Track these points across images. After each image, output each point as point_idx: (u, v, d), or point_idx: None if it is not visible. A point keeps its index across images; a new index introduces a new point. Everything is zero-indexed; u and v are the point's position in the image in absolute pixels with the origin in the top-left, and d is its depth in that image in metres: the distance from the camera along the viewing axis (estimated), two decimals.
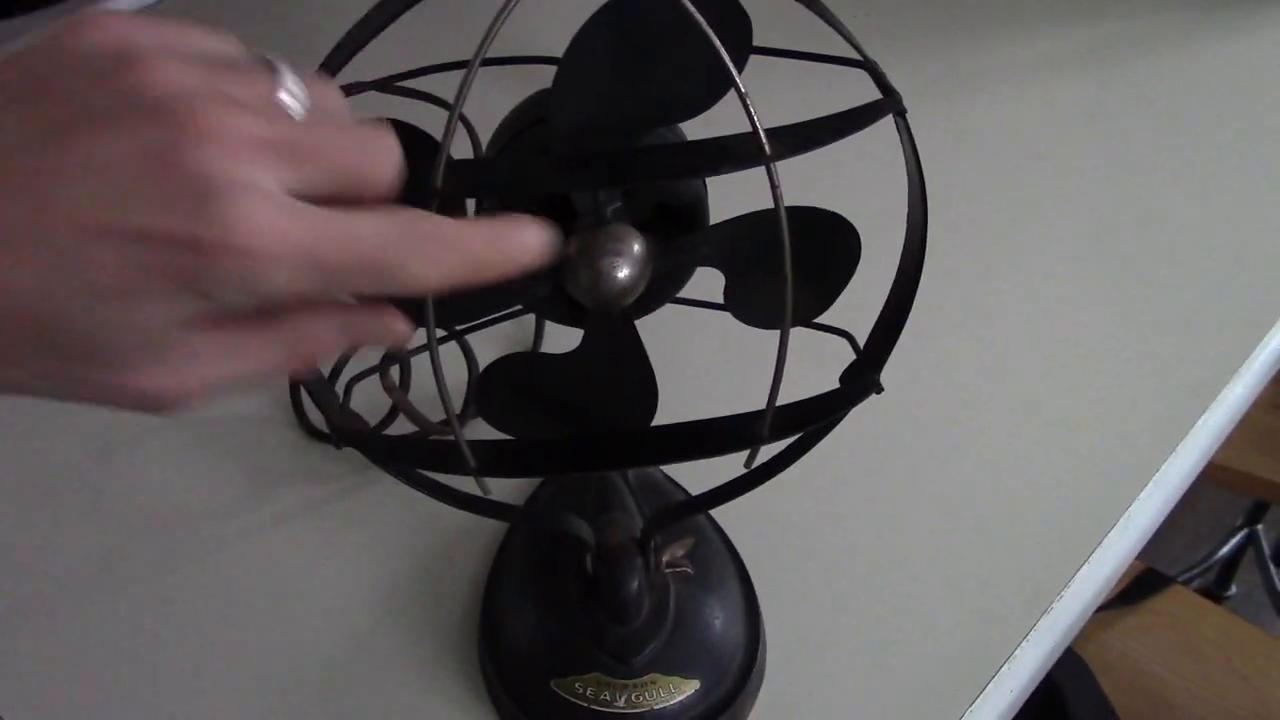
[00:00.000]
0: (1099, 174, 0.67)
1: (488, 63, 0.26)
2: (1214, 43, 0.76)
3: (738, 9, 0.29)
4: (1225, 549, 1.38)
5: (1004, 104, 0.72)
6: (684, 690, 0.42)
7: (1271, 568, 1.33)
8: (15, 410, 0.57)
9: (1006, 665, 0.46)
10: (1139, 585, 0.94)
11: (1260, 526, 1.35)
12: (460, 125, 0.28)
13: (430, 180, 0.25)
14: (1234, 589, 1.40)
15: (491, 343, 0.54)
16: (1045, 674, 0.47)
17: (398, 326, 0.26)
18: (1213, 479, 1.09)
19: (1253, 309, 0.59)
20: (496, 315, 0.44)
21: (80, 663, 0.47)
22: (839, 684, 0.45)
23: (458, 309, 0.33)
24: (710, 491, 0.36)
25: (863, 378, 0.33)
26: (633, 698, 0.42)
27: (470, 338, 0.50)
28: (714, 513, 0.49)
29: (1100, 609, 0.61)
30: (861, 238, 0.34)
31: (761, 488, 0.35)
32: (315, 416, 0.54)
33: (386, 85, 0.37)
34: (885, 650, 0.46)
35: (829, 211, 0.34)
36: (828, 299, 0.34)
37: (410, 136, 0.29)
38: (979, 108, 0.72)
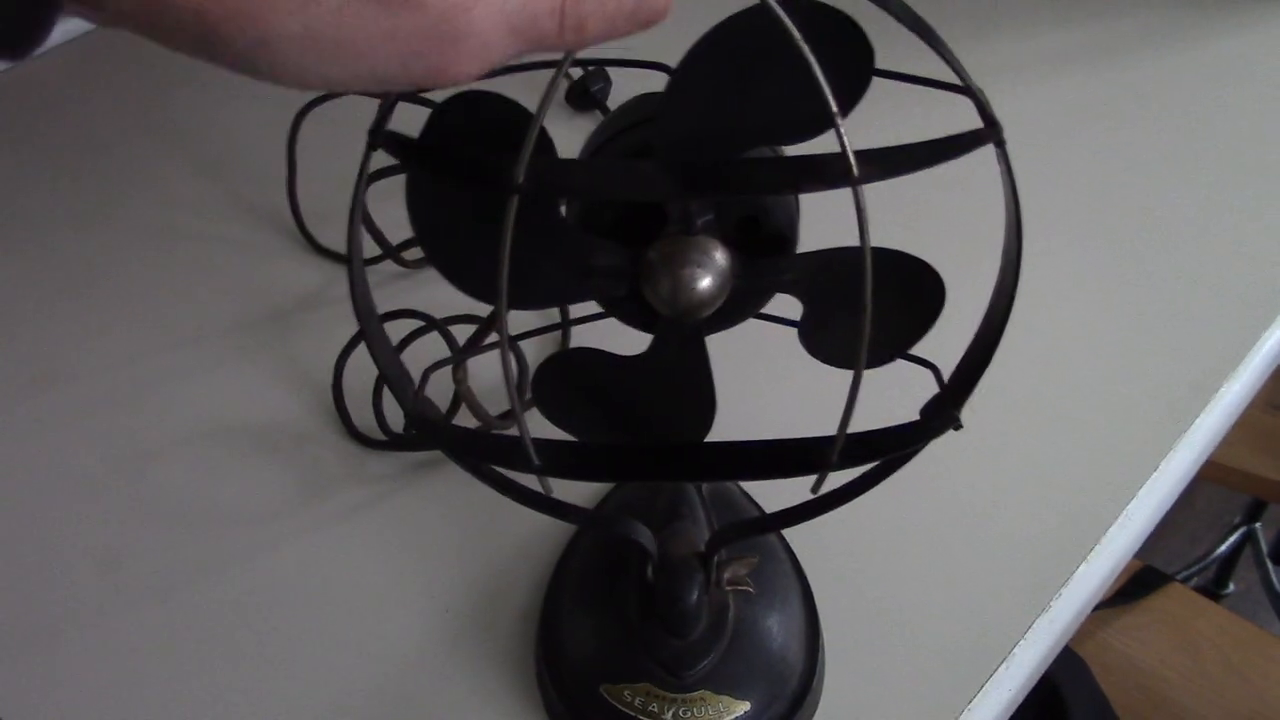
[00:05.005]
0: (1097, 171, 0.67)
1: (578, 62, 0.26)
2: (1214, 41, 0.76)
3: (860, 37, 0.28)
4: (1223, 547, 1.38)
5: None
6: (733, 711, 0.41)
7: (1269, 566, 1.34)
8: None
9: (1004, 664, 0.45)
10: (1137, 583, 0.94)
11: (1258, 525, 1.36)
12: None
13: (512, 177, 0.25)
14: (1232, 587, 1.40)
15: (545, 349, 0.54)
16: (1044, 672, 0.47)
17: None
18: (1211, 477, 1.09)
19: (1251, 308, 0.59)
20: (558, 323, 0.43)
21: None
22: (842, 684, 0.45)
23: (544, 293, 0.33)
24: (778, 512, 0.35)
25: (943, 412, 0.32)
26: (680, 712, 0.41)
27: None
28: (787, 533, 0.48)
29: (1098, 607, 0.61)
30: (944, 261, 0.33)
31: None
32: (361, 422, 0.54)
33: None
34: (883, 649, 0.46)
35: (917, 259, 0.33)
36: (902, 347, 0.34)
37: (515, 116, 0.28)
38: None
